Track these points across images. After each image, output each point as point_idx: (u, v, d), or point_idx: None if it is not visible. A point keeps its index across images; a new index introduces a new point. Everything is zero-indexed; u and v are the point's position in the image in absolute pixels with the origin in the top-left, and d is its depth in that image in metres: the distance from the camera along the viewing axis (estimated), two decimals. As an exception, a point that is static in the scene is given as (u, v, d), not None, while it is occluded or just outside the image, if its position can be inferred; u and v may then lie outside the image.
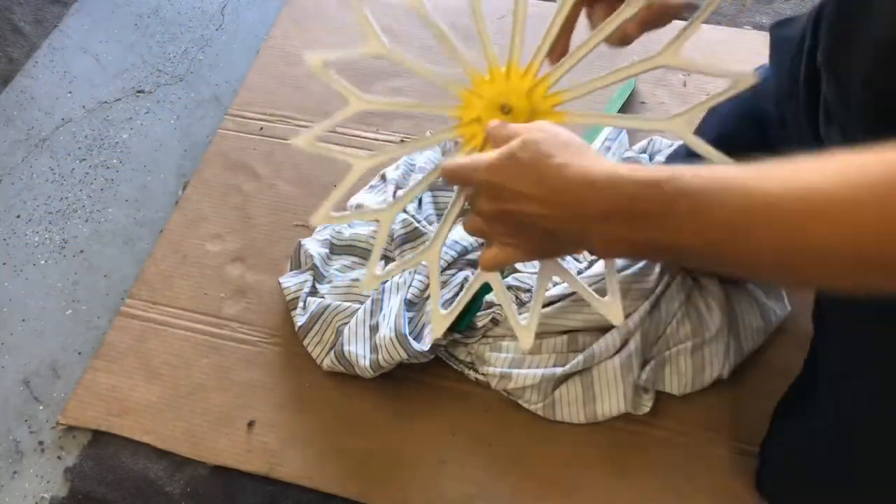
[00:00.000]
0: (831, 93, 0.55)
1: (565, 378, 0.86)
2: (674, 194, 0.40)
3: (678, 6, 0.56)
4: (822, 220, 0.34)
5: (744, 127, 0.76)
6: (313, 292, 0.94)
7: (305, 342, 0.91)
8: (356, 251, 0.97)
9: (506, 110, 0.58)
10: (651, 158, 0.99)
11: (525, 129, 0.48)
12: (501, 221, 0.49)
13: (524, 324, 0.60)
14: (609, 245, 0.45)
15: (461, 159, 0.52)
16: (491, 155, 0.49)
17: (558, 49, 0.59)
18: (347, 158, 0.64)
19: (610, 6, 0.56)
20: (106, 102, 1.22)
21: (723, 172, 0.39)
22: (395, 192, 0.99)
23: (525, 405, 0.87)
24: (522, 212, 0.47)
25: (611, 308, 0.56)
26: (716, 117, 0.79)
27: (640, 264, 0.88)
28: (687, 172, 0.40)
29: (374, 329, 0.88)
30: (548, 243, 0.49)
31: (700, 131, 0.81)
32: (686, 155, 0.83)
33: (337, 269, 0.96)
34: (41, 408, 0.92)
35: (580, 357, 0.85)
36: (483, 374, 0.88)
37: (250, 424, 0.89)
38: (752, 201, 0.37)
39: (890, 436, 0.60)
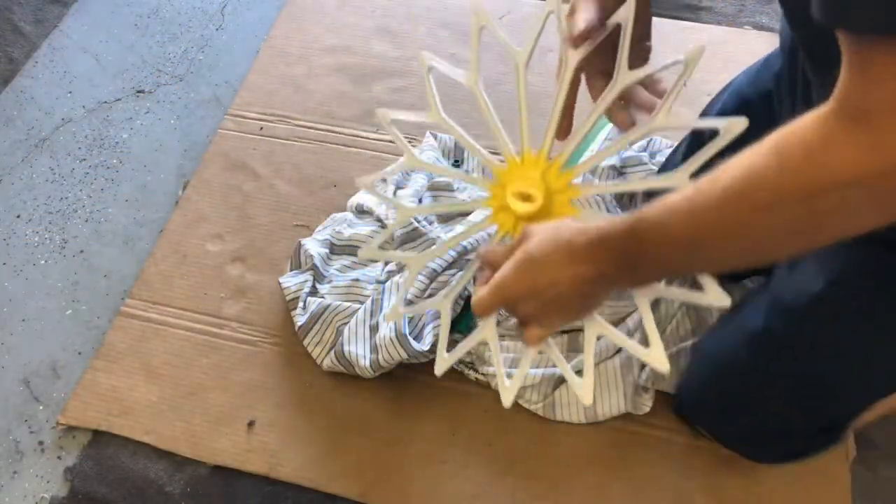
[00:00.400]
0: (808, 65, 0.60)
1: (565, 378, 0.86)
2: (643, 234, 0.50)
3: (659, 82, 0.63)
4: (712, 223, 0.47)
5: (754, 100, 0.79)
6: (313, 292, 0.94)
7: (305, 342, 0.91)
8: (356, 251, 0.97)
9: (525, 197, 0.63)
10: (652, 157, 0.99)
11: (524, 239, 0.56)
12: (546, 312, 0.56)
13: (579, 382, 0.61)
14: (635, 282, 0.55)
15: (485, 294, 0.57)
16: (507, 271, 0.55)
17: (564, 127, 0.65)
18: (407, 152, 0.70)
19: (606, 79, 0.62)
20: (106, 102, 1.22)
21: (670, 200, 0.49)
22: (394, 192, 1.00)
23: (525, 405, 0.87)
24: (560, 294, 0.54)
25: (655, 357, 0.58)
26: (729, 93, 0.82)
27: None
28: (649, 210, 0.49)
29: (375, 329, 0.88)
30: (586, 303, 0.57)
31: (716, 103, 0.84)
32: (685, 153, 0.86)
33: (337, 269, 0.96)
34: (41, 408, 0.92)
35: (581, 357, 0.85)
36: (483, 374, 0.88)
37: (250, 424, 0.89)
38: (686, 218, 0.48)
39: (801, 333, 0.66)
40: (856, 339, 0.64)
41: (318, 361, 0.90)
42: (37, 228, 1.08)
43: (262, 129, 1.16)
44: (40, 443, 0.90)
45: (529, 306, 0.56)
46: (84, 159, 1.15)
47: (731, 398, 0.76)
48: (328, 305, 0.91)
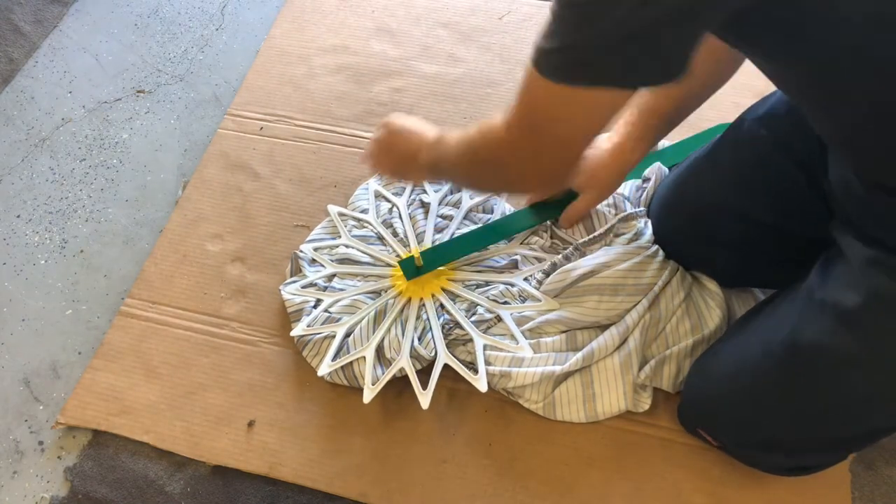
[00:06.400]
0: None
1: (565, 377, 0.86)
2: (438, 148, 0.77)
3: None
4: (463, 155, 0.72)
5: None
6: (316, 303, 0.93)
7: (304, 353, 0.91)
8: (355, 263, 0.97)
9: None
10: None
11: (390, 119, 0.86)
12: (397, 170, 0.87)
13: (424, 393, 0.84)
14: (439, 176, 0.87)
15: (367, 150, 0.88)
16: (378, 140, 0.86)
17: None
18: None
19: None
20: (106, 102, 1.22)
21: (455, 136, 0.74)
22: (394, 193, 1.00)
23: (525, 404, 0.87)
24: (399, 148, 0.83)
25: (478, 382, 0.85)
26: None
27: (635, 259, 0.88)
28: (447, 136, 0.76)
29: (381, 349, 0.88)
30: (417, 172, 0.86)
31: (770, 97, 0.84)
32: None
33: (337, 279, 0.95)
34: (41, 408, 0.92)
35: (579, 355, 0.85)
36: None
37: (250, 424, 0.88)
38: (449, 147, 0.75)
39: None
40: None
41: (318, 372, 0.89)
42: (37, 228, 1.08)
43: (262, 129, 1.16)
44: (40, 443, 0.90)
45: (388, 161, 0.86)
46: (84, 159, 1.15)
47: (751, 411, 0.74)
48: (328, 317, 0.91)
